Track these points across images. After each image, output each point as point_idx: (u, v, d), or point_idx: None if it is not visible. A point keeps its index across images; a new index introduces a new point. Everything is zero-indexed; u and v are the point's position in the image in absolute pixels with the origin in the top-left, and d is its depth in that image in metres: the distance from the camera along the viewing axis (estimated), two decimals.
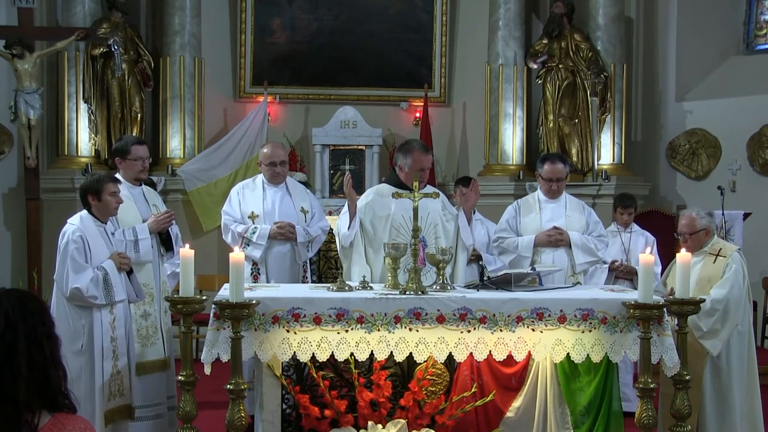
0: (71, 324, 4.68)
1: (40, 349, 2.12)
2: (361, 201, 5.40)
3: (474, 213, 6.43)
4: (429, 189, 5.48)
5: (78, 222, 4.79)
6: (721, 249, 5.12)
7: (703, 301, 4.66)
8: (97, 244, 4.78)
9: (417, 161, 5.33)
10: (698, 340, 4.94)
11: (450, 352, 4.39)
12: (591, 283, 6.23)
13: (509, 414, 4.81)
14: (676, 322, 4.57)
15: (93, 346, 4.70)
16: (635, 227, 6.91)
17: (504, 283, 4.75)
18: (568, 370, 4.72)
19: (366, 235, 5.34)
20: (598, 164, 9.37)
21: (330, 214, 7.86)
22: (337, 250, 5.59)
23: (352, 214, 5.30)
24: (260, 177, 6.19)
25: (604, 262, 6.52)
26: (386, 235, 5.21)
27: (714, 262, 5.08)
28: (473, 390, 4.67)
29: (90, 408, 4.61)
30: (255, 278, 5.90)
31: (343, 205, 5.45)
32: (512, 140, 9.63)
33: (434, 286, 4.65)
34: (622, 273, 6.61)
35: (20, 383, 2.07)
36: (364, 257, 5.31)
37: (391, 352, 4.36)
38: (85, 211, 4.87)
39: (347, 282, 4.73)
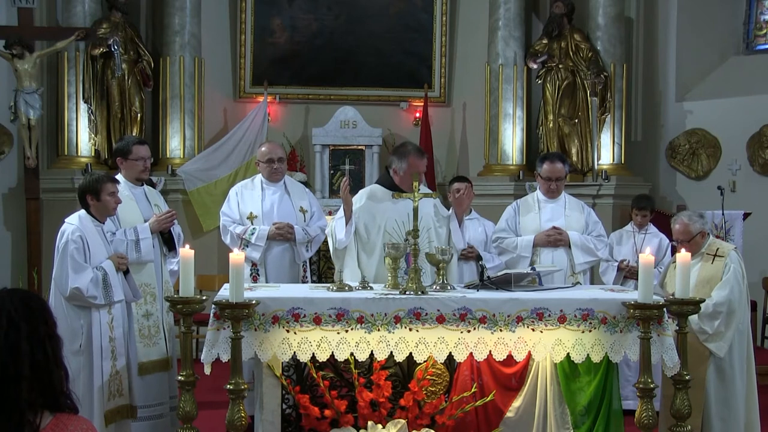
0: (69, 324, 4.67)
1: (43, 349, 2.13)
2: (354, 204, 5.33)
3: (470, 212, 6.41)
4: (426, 190, 5.46)
5: (77, 222, 4.78)
6: (718, 249, 5.12)
7: (703, 301, 4.66)
8: (95, 244, 4.78)
9: (413, 165, 5.25)
10: (703, 344, 4.94)
11: (450, 352, 4.39)
12: (603, 281, 6.23)
13: (509, 414, 4.81)
14: (676, 323, 4.57)
15: (91, 346, 4.69)
16: (651, 228, 6.88)
17: (504, 283, 4.75)
18: (568, 370, 4.72)
19: (359, 239, 5.31)
20: (597, 164, 9.37)
21: (330, 213, 7.84)
22: None
23: (348, 218, 5.25)
24: (259, 177, 6.17)
25: (615, 261, 6.52)
26: (379, 240, 5.19)
27: (712, 262, 5.07)
28: (473, 390, 4.67)
29: (89, 408, 4.60)
30: (254, 279, 5.88)
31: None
32: (512, 140, 9.62)
33: (434, 286, 4.65)
34: (630, 273, 6.62)
35: (23, 383, 2.08)
36: (356, 261, 5.28)
37: (391, 352, 4.36)
38: (83, 211, 4.87)
39: (347, 282, 4.73)
